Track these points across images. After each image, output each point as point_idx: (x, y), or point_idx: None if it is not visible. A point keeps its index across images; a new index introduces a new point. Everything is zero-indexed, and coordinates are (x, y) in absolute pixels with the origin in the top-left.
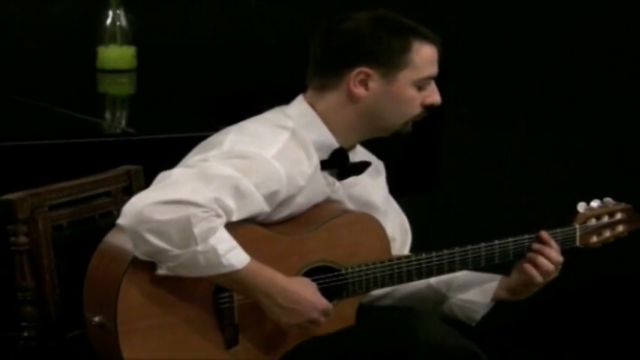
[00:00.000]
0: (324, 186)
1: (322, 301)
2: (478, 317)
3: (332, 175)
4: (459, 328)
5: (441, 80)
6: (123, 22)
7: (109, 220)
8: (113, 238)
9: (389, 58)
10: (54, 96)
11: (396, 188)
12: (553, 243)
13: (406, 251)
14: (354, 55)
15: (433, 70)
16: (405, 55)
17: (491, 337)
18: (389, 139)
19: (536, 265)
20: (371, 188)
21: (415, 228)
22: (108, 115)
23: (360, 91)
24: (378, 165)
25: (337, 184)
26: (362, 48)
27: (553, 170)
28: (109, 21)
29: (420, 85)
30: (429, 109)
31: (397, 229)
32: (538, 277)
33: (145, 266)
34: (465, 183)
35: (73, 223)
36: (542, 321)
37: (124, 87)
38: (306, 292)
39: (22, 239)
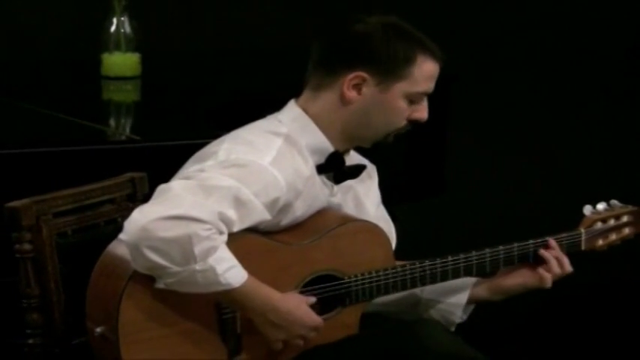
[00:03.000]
0: (323, 189)
1: (313, 318)
2: (456, 320)
3: (329, 179)
4: (464, 335)
5: (446, 85)
6: (127, 28)
7: (113, 227)
8: (115, 249)
9: (389, 67)
10: (58, 103)
11: (401, 194)
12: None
13: None
14: (355, 58)
15: (429, 86)
16: (407, 67)
17: (499, 344)
18: (393, 144)
19: (550, 271)
20: (364, 193)
21: (420, 233)
22: (112, 122)
23: (352, 94)
24: (370, 169)
25: (335, 187)
26: (365, 52)
27: (559, 174)
28: (113, 28)
29: (412, 99)
30: (413, 123)
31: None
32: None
33: (146, 279)
34: (471, 188)
35: (78, 230)
36: (550, 328)
37: (128, 94)
38: (299, 309)
39: (27, 246)
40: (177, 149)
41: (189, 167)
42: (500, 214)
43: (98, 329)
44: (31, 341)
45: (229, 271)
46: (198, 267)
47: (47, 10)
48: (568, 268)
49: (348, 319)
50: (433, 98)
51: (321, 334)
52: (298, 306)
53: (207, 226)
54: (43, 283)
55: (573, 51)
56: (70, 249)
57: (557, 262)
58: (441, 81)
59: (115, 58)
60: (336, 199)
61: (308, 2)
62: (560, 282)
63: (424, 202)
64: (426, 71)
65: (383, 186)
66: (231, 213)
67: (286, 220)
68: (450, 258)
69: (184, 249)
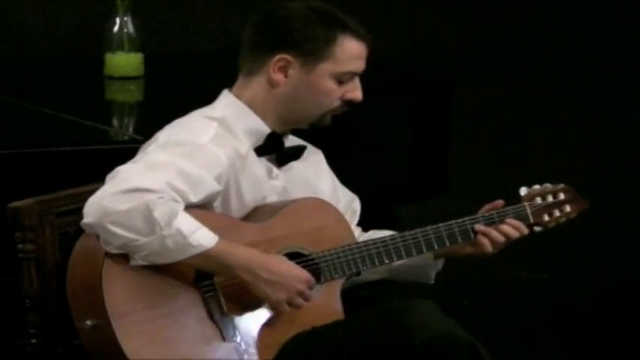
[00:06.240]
0: (263, 172)
1: (304, 272)
2: (433, 272)
3: (270, 162)
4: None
5: (448, 85)
6: (130, 28)
7: None
8: (82, 243)
9: (311, 49)
10: (61, 103)
11: (404, 194)
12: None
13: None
14: (278, 42)
15: (357, 65)
16: (328, 48)
17: (492, 344)
18: (396, 144)
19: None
20: (311, 175)
21: None
22: (115, 122)
23: (278, 77)
24: (317, 153)
25: (276, 170)
26: (286, 35)
27: (562, 174)
28: (116, 28)
29: (340, 79)
30: (349, 104)
31: (348, 211)
32: (489, 249)
33: (121, 257)
34: (474, 188)
35: (80, 230)
36: (545, 328)
37: (131, 94)
38: (285, 265)
39: (29, 246)
40: None
41: (137, 156)
42: None
43: (88, 322)
44: (33, 341)
45: (197, 232)
46: (165, 232)
47: (50, 10)
48: (513, 233)
49: (328, 299)
50: (436, 98)
51: (307, 315)
52: (282, 261)
53: (160, 194)
54: (45, 282)
55: (577, 52)
56: (73, 249)
57: (497, 232)
58: (443, 81)
59: (118, 58)
60: (279, 182)
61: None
62: (560, 285)
63: (427, 202)
64: (349, 51)
65: (386, 186)
66: (181, 185)
67: (235, 204)
68: (407, 233)
69: (145, 217)
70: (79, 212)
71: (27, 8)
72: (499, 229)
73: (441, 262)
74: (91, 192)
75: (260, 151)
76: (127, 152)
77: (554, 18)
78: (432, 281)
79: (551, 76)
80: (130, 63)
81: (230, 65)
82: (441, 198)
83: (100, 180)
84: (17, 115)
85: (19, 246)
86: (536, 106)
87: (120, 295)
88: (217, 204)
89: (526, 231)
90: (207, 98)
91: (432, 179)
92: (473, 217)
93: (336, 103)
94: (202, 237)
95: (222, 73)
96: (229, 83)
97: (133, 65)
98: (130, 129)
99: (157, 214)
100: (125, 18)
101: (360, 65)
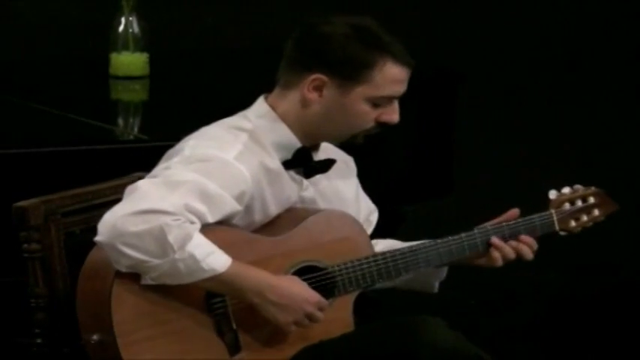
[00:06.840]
0: (292, 185)
1: (314, 294)
2: (436, 282)
3: (299, 174)
4: (465, 334)
5: (453, 85)
6: (135, 28)
7: None
8: (95, 255)
9: (348, 71)
10: (67, 102)
11: (410, 194)
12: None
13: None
14: (316, 60)
15: (395, 90)
16: (367, 72)
17: (500, 343)
18: (402, 144)
19: (504, 255)
20: (341, 185)
21: (429, 234)
22: (121, 122)
23: (313, 96)
24: (347, 161)
25: (305, 182)
26: (325, 55)
27: (568, 174)
28: (121, 27)
29: (376, 103)
30: (383, 125)
31: (365, 222)
32: (500, 263)
33: (132, 275)
34: (479, 188)
35: (86, 230)
36: (551, 328)
37: (136, 93)
38: (296, 287)
39: (35, 246)
40: None
41: (159, 166)
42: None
43: (94, 337)
44: (39, 341)
45: (210, 256)
46: (177, 256)
47: (56, 10)
48: (526, 253)
49: (340, 313)
50: (441, 98)
51: (317, 329)
52: (293, 282)
53: (176, 217)
54: (51, 282)
55: (583, 51)
56: (79, 248)
57: (511, 249)
58: (449, 81)
59: (123, 58)
60: (309, 194)
61: (319, 2)
62: (566, 284)
63: (432, 203)
64: (388, 75)
65: (391, 186)
66: (200, 206)
67: (259, 216)
68: (427, 244)
69: (159, 240)
70: (84, 212)
71: (32, 8)
72: (513, 247)
73: (444, 271)
74: (97, 192)
75: (288, 164)
76: (132, 152)
77: (560, 16)
78: (436, 290)
79: (555, 76)
80: (135, 63)
81: (235, 65)
82: (445, 198)
83: (105, 179)
84: (23, 114)
85: (25, 246)
86: (545, 105)
87: (128, 313)
88: (240, 217)
89: (536, 246)
90: (212, 98)
91: (438, 179)
92: (496, 227)
93: (370, 125)
94: (215, 261)
95: (228, 73)
96: (234, 83)
97: (138, 65)
98: (136, 129)
99: (172, 237)
100: (130, 18)
101: (398, 89)
